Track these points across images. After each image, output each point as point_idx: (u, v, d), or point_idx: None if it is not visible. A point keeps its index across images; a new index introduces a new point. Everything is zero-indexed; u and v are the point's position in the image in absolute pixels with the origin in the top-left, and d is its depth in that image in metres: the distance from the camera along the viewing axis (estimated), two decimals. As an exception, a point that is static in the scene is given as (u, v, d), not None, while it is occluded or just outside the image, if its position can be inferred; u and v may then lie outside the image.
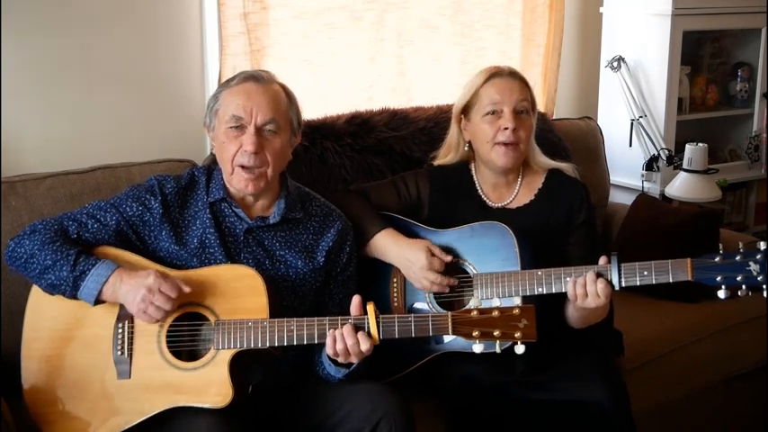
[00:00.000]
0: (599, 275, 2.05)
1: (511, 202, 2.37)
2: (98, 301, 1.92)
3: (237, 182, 2.04)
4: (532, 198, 2.36)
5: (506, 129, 2.25)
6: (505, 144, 2.26)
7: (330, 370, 2.02)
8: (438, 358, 2.21)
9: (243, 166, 2.02)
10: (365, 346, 1.89)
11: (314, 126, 2.74)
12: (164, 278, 1.90)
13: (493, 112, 2.28)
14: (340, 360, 1.92)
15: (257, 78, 2.06)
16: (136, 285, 1.89)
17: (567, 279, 2.07)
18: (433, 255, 2.20)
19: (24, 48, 2.51)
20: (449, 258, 2.22)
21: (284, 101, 2.08)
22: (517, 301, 1.88)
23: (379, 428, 1.93)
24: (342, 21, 3.03)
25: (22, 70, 2.52)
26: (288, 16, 2.91)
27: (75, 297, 1.93)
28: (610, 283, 2.05)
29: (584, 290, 2.04)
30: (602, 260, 2.07)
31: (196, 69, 2.83)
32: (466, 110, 2.36)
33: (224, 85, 2.09)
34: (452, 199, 2.38)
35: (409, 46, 3.20)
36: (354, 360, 1.91)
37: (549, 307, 2.15)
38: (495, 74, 2.32)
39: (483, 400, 2.19)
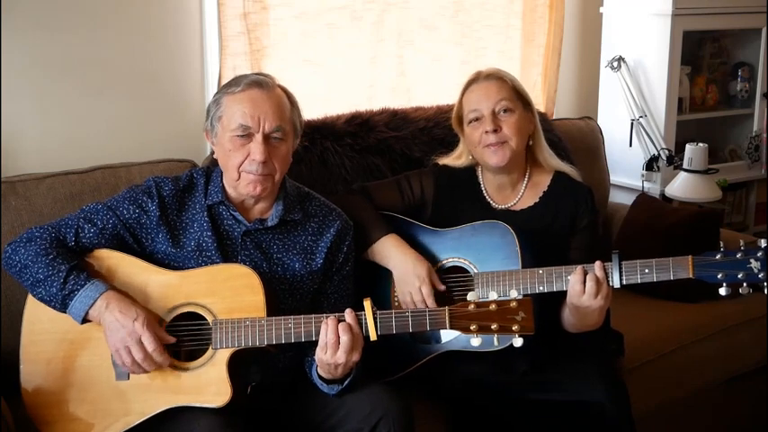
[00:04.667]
0: (586, 273, 2.05)
1: (515, 203, 2.37)
2: (85, 320, 1.92)
3: (245, 186, 2.03)
4: (537, 200, 2.35)
5: (487, 132, 2.26)
6: (492, 145, 2.27)
7: (324, 389, 2.01)
8: (438, 358, 2.21)
9: (250, 172, 2.01)
10: (345, 336, 1.87)
11: (314, 126, 2.74)
12: (148, 327, 1.88)
13: (477, 119, 2.30)
14: (328, 355, 1.90)
15: (261, 84, 2.03)
16: (120, 321, 1.88)
17: (569, 277, 2.07)
18: (430, 280, 2.20)
19: (25, 48, 2.51)
20: (443, 287, 2.22)
21: (288, 106, 2.07)
22: (517, 299, 1.87)
23: (379, 429, 1.93)
24: (342, 21, 3.03)
25: (22, 70, 2.52)
26: (288, 16, 2.91)
27: (65, 312, 1.93)
28: (609, 282, 2.05)
29: (583, 285, 2.04)
30: (597, 264, 2.07)
31: (196, 69, 2.83)
32: (460, 120, 2.38)
33: (226, 91, 2.06)
34: (456, 199, 2.38)
35: (409, 46, 3.21)
36: (342, 358, 1.89)
37: (548, 308, 2.15)
38: (473, 80, 2.35)
39: (483, 400, 2.19)
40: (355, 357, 1.90)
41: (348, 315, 1.90)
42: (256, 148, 1.99)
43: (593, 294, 2.04)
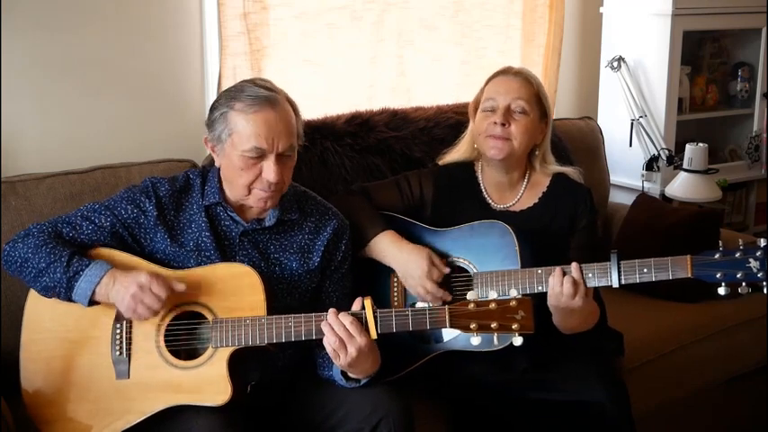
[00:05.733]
0: (565, 274, 2.06)
1: (514, 204, 2.37)
2: (92, 302, 1.92)
3: (255, 202, 2.02)
4: (536, 201, 2.36)
5: (495, 123, 2.27)
6: (495, 137, 2.27)
7: (344, 383, 2.01)
8: (439, 357, 2.21)
9: (261, 190, 2.00)
10: (355, 329, 1.88)
11: (314, 126, 2.74)
12: (156, 277, 1.89)
13: (491, 109, 2.30)
14: (341, 361, 1.90)
15: (272, 103, 1.98)
16: (127, 284, 1.88)
17: (548, 279, 2.08)
18: (433, 264, 2.20)
19: (25, 48, 2.51)
20: (447, 270, 2.22)
21: (294, 119, 2.05)
22: (516, 297, 1.88)
23: (379, 429, 1.93)
24: (342, 21, 3.03)
25: (22, 70, 2.52)
26: (288, 16, 2.91)
27: (69, 299, 1.92)
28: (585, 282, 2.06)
29: (561, 287, 2.05)
30: (574, 265, 2.07)
31: (196, 69, 2.83)
32: (475, 107, 2.39)
33: (232, 106, 1.98)
34: (456, 200, 2.38)
35: (409, 46, 3.21)
36: (353, 352, 1.89)
37: (547, 307, 2.15)
38: (501, 72, 2.37)
39: (484, 400, 2.19)
40: (360, 342, 1.88)
41: (330, 315, 1.90)
42: (270, 169, 1.97)
43: (571, 295, 2.04)
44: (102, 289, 1.90)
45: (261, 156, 1.97)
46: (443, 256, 2.26)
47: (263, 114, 1.97)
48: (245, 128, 1.97)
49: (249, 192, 2.01)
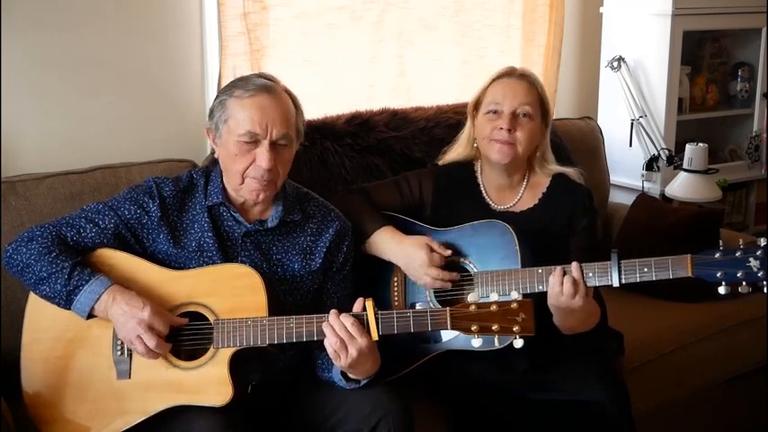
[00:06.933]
0: (565, 274, 2.06)
1: (514, 205, 2.37)
2: (90, 315, 1.92)
3: (248, 192, 2.03)
4: (536, 202, 2.36)
5: (501, 128, 2.26)
6: (500, 142, 2.27)
7: (343, 384, 2.01)
8: (438, 357, 2.21)
9: (254, 178, 2.01)
10: (356, 330, 1.88)
11: (314, 126, 2.74)
12: (158, 315, 1.89)
13: (495, 112, 2.29)
14: (342, 362, 1.91)
15: (269, 90, 2.01)
16: (128, 313, 1.88)
17: (548, 278, 2.08)
18: (432, 250, 2.21)
19: (25, 48, 2.51)
20: (448, 252, 2.22)
21: (293, 111, 2.06)
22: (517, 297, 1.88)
23: (379, 429, 1.94)
24: (342, 21, 3.03)
25: (22, 70, 2.52)
26: (288, 16, 2.91)
27: (68, 309, 1.93)
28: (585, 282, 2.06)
29: (561, 286, 2.05)
30: (574, 265, 2.07)
31: (196, 69, 2.83)
32: (477, 106, 2.38)
33: (232, 94, 2.02)
34: (455, 200, 2.38)
35: (409, 46, 3.21)
36: (354, 353, 1.89)
37: (548, 307, 2.15)
38: (505, 74, 2.35)
39: (483, 400, 2.19)
40: (361, 343, 1.88)
41: (331, 316, 1.91)
42: (263, 155, 1.98)
43: (571, 295, 2.04)
44: (101, 306, 1.91)
45: (255, 141, 1.99)
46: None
47: (258, 99, 1.99)
48: (239, 112, 1.99)
49: (243, 180, 2.02)
